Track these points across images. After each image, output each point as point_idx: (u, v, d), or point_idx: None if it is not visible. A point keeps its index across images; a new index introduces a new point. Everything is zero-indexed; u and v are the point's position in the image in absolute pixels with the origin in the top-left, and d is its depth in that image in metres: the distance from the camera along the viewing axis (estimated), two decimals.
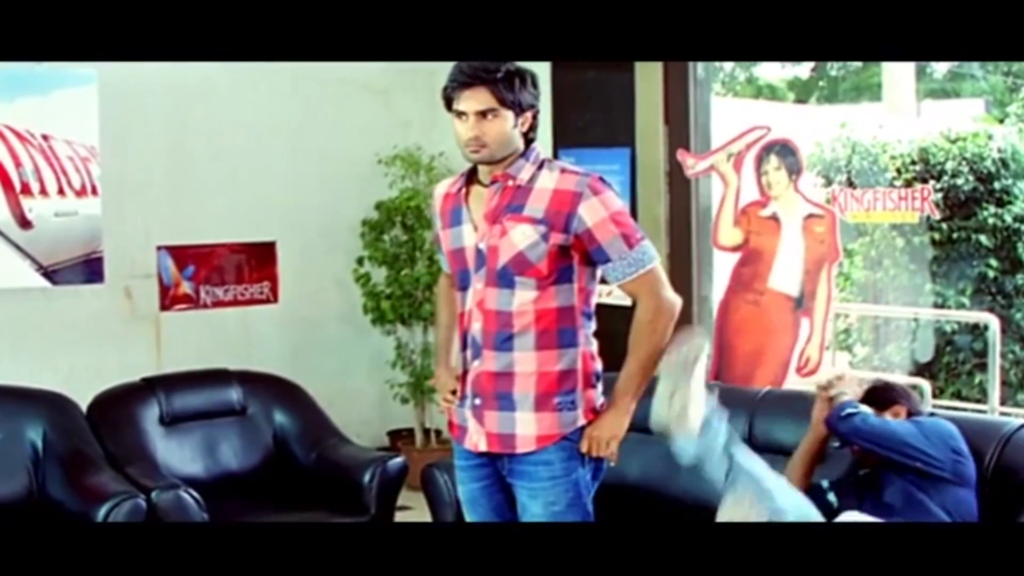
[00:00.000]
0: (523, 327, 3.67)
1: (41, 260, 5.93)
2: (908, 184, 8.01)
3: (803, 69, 13.74)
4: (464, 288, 3.74)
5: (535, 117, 3.74)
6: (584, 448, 3.75)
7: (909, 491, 4.10)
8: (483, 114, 3.61)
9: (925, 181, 8.07)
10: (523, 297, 3.66)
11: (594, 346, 3.85)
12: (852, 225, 5.79)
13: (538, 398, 3.71)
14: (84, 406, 5.56)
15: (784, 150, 5.53)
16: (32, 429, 5.29)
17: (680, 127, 5.90)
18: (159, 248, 6.47)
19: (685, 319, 5.86)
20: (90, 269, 6.11)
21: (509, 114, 3.63)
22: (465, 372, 3.77)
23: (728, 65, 12.85)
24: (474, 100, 3.61)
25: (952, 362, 8.61)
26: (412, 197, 6.93)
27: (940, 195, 8.21)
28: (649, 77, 5.95)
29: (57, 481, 5.19)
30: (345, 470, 5.48)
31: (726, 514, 3.77)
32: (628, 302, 5.99)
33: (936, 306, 8.62)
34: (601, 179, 3.70)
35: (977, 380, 8.39)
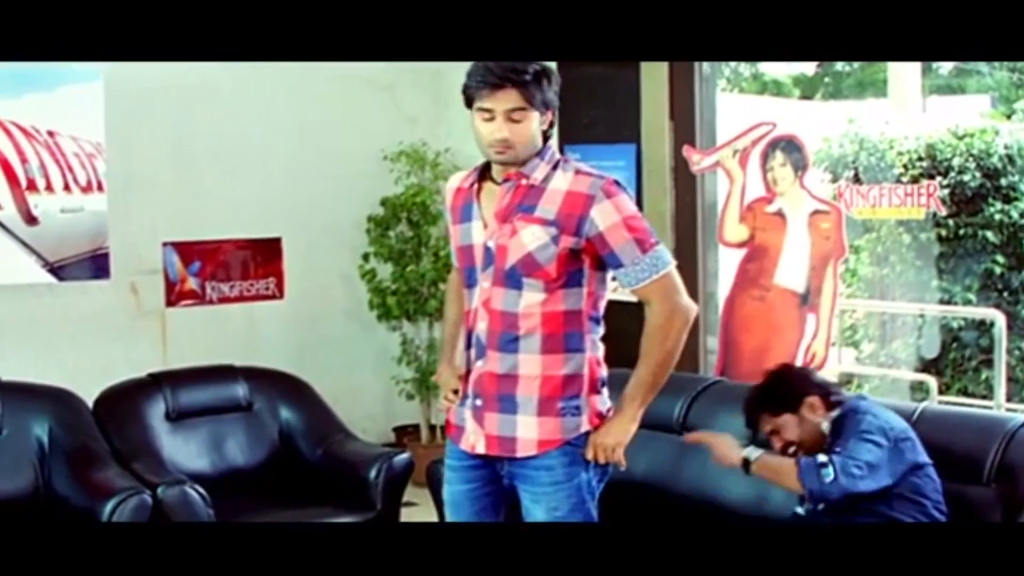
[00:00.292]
0: (529, 329, 3.63)
1: (47, 256, 5.94)
2: (915, 180, 8.00)
3: (808, 65, 13.71)
4: (471, 285, 3.71)
5: (554, 115, 3.72)
6: (590, 455, 3.72)
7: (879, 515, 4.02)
8: (511, 115, 3.55)
9: (932, 177, 8.05)
10: (530, 299, 3.62)
11: (601, 351, 3.81)
12: (859, 221, 5.79)
13: (541, 402, 3.67)
14: (90, 402, 5.57)
15: (790, 146, 5.53)
16: (38, 425, 5.30)
17: (686, 123, 5.90)
18: (165, 244, 6.47)
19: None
20: (96, 265, 6.12)
21: (535, 114, 3.60)
22: (468, 371, 3.75)
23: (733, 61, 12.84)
24: (504, 101, 3.54)
25: (958, 358, 8.60)
26: (417, 193, 6.93)
27: (947, 191, 8.20)
28: (655, 73, 5.95)
29: (63, 477, 5.19)
30: (351, 466, 5.48)
31: None
32: (631, 298, 6.02)
33: (942, 302, 8.61)
34: (616, 182, 3.65)
35: (983, 376, 8.38)
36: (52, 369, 5.77)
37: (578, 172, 3.66)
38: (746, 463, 4.07)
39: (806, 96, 14.03)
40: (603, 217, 3.59)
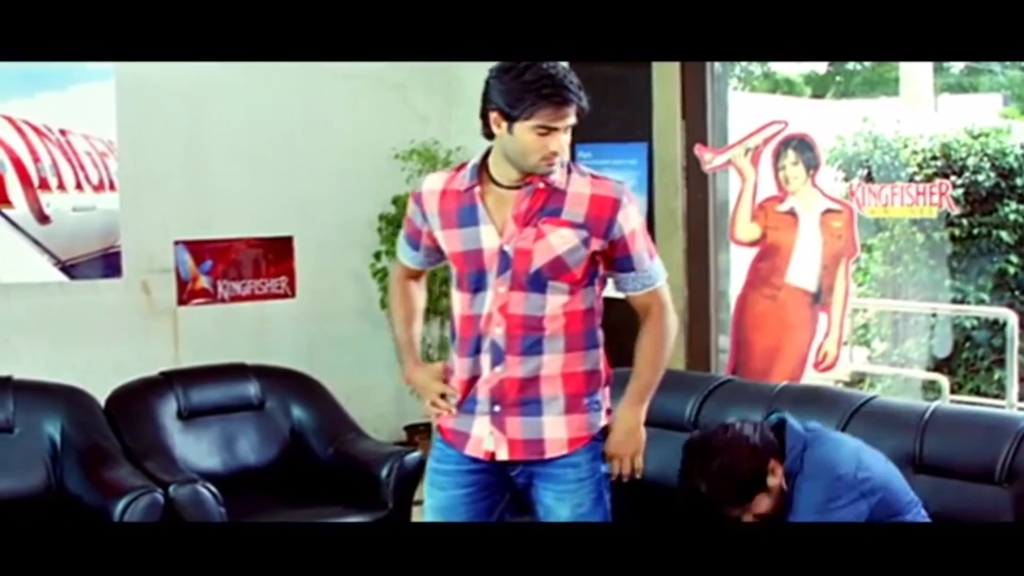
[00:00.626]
0: (554, 331, 3.65)
1: (59, 255, 5.95)
2: (929, 179, 7.99)
3: (820, 64, 13.69)
4: (477, 290, 3.66)
5: None
6: (615, 471, 3.81)
7: None
8: (565, 129, 3.56)
9: (946, 176, 8.04)
10: (555, 301, 3.64)
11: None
12: (872, 220, 5.78)
13: (568, 400, 3.70)
14: (102, 400, 5.58)
15: (801, 145, 5.52)
16: (50, 423, 5.31)
17: (697, 122, 5.89)
18: (176, 243, 6.48)
19: (703, 314, 5.91)
20: (108, 264, 6.13)
21: None
22: (474, 378, 3.70)
23: None
24: (567, 117, 3.54)
25: (971, 358, 8.58)
26: None
27: (961, 191, 8.19)
28: (666, 72, 5.94)
29: (75, 475, 5.20)
30: (362, 464, 5.48)
31: None
32: None
33: (955, 301, 8.60)
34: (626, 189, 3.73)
35: (996, 376, 8.37)
36: (64, 368, 5.78)
37: (594, 176, 3.70)
38: None
39: (817, 95, 14.01)
40: (627, 221, 3.66)
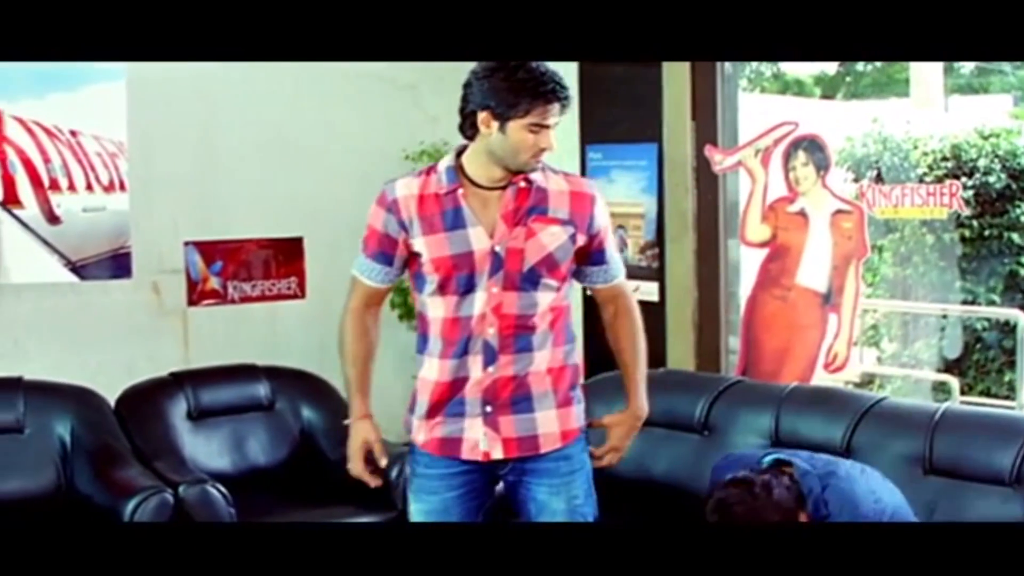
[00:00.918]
0: (543, 328, 3.68)
1: (69, 255, 5.95)
2: (939, 181, 7.97)
3: (830, 64, 13.66)
4: (466, 293, 3.65)
5: None
6: (609, 463, 3.90)
7: None
8: (555, 125, 3.60)
9: (957, 178, 8.02)
10: (545, 299, 3.67)
11: None
12: (882, 221, 5.78)
13: (558, 395, 3.74)
14: (112, 401, 5.59)
15: (812, 146, 5.51)
16: (61, 424, 5.33)
17: (707, 122, 5.88)
18: (187, 243, 6.47)
19: (713, 315, 5.91)
20: (118, 264, 6.13)
21: None
22: (457, 380, 3.70)
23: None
24: (557, 114, 3.58)
25: (981, 359, 8.57)
26: None
27: (972, 192, 8.17)
28: (676, 73, 5.94)
29: (85, 475, 5.21)
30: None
31: None
32: (653, 297, 6.04)
33: (965, 303, 8.59)
34: None
35: (1006, 377, 8.35)
36: (74, 368, 5.79)
37: (566, 174, 3.77)
38: None
39: (827, 95, 13.99)
40: (602, 216, 3.75)
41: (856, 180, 8.49)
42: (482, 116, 3.56)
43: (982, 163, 8.42)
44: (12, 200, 5.76)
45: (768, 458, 4.12)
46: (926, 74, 10.93)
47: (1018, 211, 8.45)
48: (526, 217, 3.63)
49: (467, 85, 3.62)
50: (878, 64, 13.17)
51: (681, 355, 5.96)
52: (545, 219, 3.64)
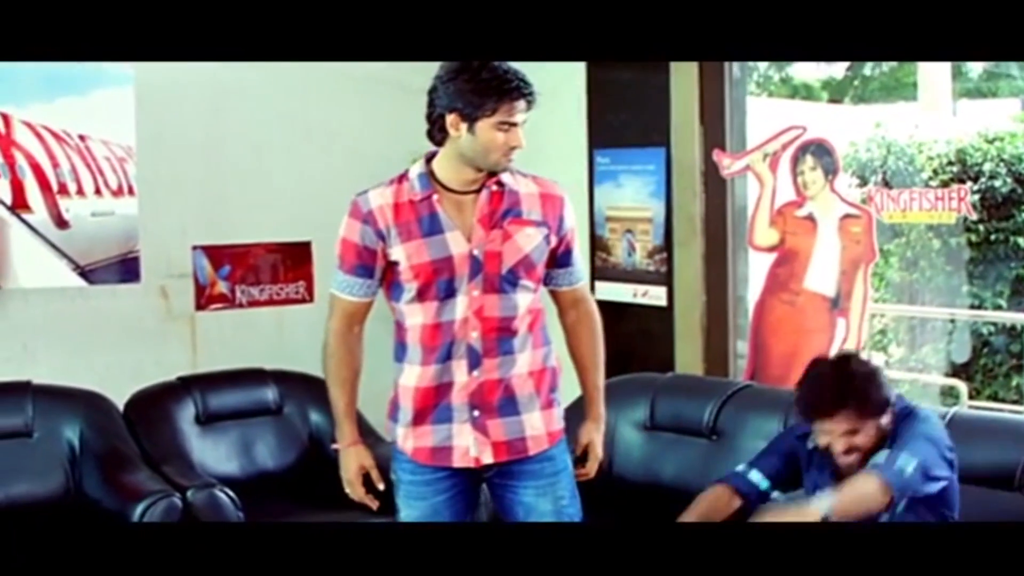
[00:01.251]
0: (524, 330, 3.72)
1: (78, 260, 5.95)
2: (945, 185, 7.97)
3: (838, 68, 13.65)
4: (446, 297, 3.66)
5: None
6: (592, 470, 3.95)
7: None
8: (522, 123, 3.63)
9: (962, 182, 8.02)
10: (524, 301, 3.71)
11: None
12: (888, 225, 5.78)
13: (541, 396, 3.78)
14: (121, 405, 5.60)
15: (820, 150, 5.51)
16: (69, 428, 5.33)
17: (716, 127, 5.88)
18: (195, 248, 6.47)
19: (721, 319, 5.91)
20: (126, 269, 6.13)
21: None
22: (441, 386, 3.71)
23: (763, 64, 12.76)
24: (525, 111, 3.62)
25: (989, 364, 8.56)
26: None
27: (977, 196, 8.17)
28: (684, 76, 5.94)
29: (94, 479, 5.22)
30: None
31: None
32: (661, 302, 6.04)
33: (973, 307, 8.58)
34: None
35: (1014, 382, 8.36)
36: (83, 372, 5.79)
37: (534, 177, 3.81)
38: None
39: (835, 100, 13.99)
40: (570, 217, 3.82)
41: (861, 185, 8.49)
42: (450, 119, 3.60)
43: (987, 167, 8.42)
44: (21, 204, 5.77)
45: None
46: (934, 78, 10.92)
47: None
48: (501, 220, 3.67)
49: (432, 90, 3.67)
50: (886, 68, 13.17)
51: (689, 359, 5.96)
52: (520, 221, 3.68)
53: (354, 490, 3.90)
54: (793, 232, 5.57)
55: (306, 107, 6.80)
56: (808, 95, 13.75)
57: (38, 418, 5.30)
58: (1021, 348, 8.08)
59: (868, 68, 13.66)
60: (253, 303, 6.67)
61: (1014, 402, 8.09)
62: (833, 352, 5.44)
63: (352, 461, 3.92)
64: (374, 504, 3.90)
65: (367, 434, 5.74)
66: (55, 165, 5.84)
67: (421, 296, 3.67)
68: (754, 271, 5.92)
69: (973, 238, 8.54)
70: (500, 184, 3.69)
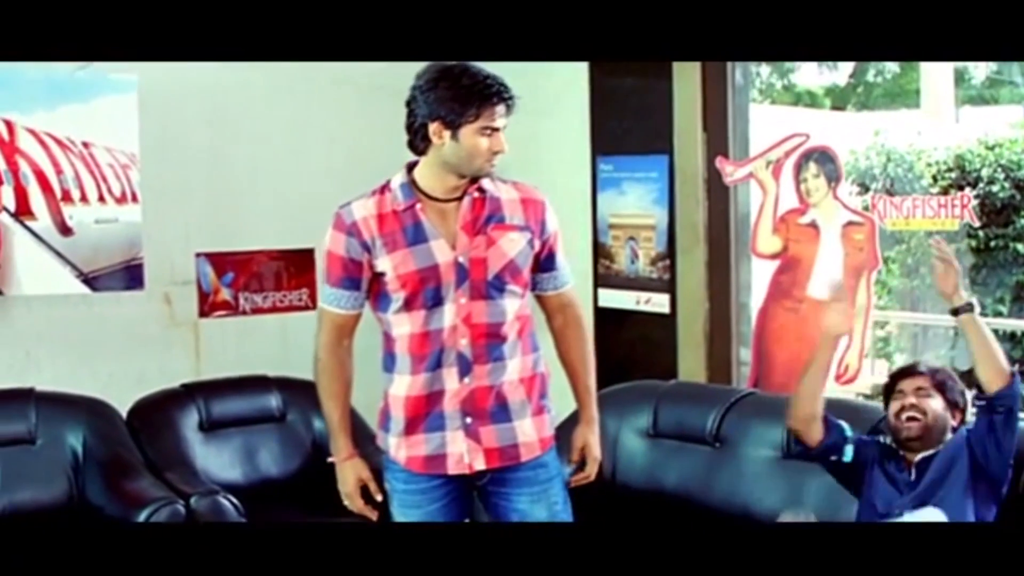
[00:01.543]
0: (513, 337, 3.72)
1: (81, 267, 5.95)
2: (944, 191, 7.97)
3: (841, 75, 13.69)
4: (434, 306, 3.65)
5: None
6: (593, 472, 3.96)
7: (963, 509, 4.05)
8: (504, 128, 3.64)
9: (961, 188, 8.02)
10: (512, 307, 3.71)
11: None
12: (889, 232, 5.79)
13: (532, 403, 3.78)
14: (124, 412, 5.60)
15: (823, 157, 5.51)
16: (72, 435, 5.33)
17: (718, 134, 5.88)
18: (198, 255, 6.48)
19: (724, 327, 5.91)
20: (130, 276, 6.13)
21: None
22: (432, 394, 3.70)
23: (765, 72, 12.81)
24: (506, 116, 3.62)
25: None
26: None
27: (977, 202, 8.16)
28: (687, 83, 5.94)
29: (97, 487, 5.22)
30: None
31: None
32: (664, 309, 6.04)
33: None
34: None
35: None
36: (86, 379, 5.80)
37: (513, 183, 3.81)
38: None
39: (838, 107, 14.01)
40: (552, 222, 3.81)
41: (862, 192, 8.50)
42: (433, 127, 3.59)
43: (986, 173, 8.43)
44: (24, 211, 5.77)
45: None
46: (937, 85, 10.94)
47: (1023, 221, 8.45)
48: (485, 226, 3.68)
49: (411, 100, 3.67)
50: (888, 75, 13.20)
51: (692, 367, 5.96)
52: (503, 226, 3.69)
53: (353, 503, 3.90)
54: (796, 239, 5.57)
55: (309, 115, 6.80)
56: (811, 102, 13.77)
57: (41, 425, 5.30)
58: (1022, 355, 8.07)
59: (871, 75, 13.70)
60: (256, 310, 6.68)
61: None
62: (836, 360, 5.45)
63: (349, 474, 3.91)
64: (373, 515, 3.90)
65: (372, 441, 5.77)
66: (59, 172, 5.84)
67: (408, 305, 3.66)
68: (757, 278, 5.92)
69: (973, 244, 8.55)
70: (481, 190, 3.70)
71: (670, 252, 6.08)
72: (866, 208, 5.56)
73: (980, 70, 12.18)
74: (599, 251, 6.37)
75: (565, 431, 4.04)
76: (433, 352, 3.67)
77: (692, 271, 5.99)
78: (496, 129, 3.59)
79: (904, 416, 4.20)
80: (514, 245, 3.69)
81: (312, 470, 5.75)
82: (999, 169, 8.45)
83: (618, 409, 5.38)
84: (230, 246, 6.58)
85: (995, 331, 8.21)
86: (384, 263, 3.65)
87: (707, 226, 5.97)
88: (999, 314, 8.52)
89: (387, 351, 3.79)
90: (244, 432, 5.76)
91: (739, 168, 5.73)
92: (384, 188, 3.75)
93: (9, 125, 5.71)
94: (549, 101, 6.42)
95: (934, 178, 8.60)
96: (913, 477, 4.16)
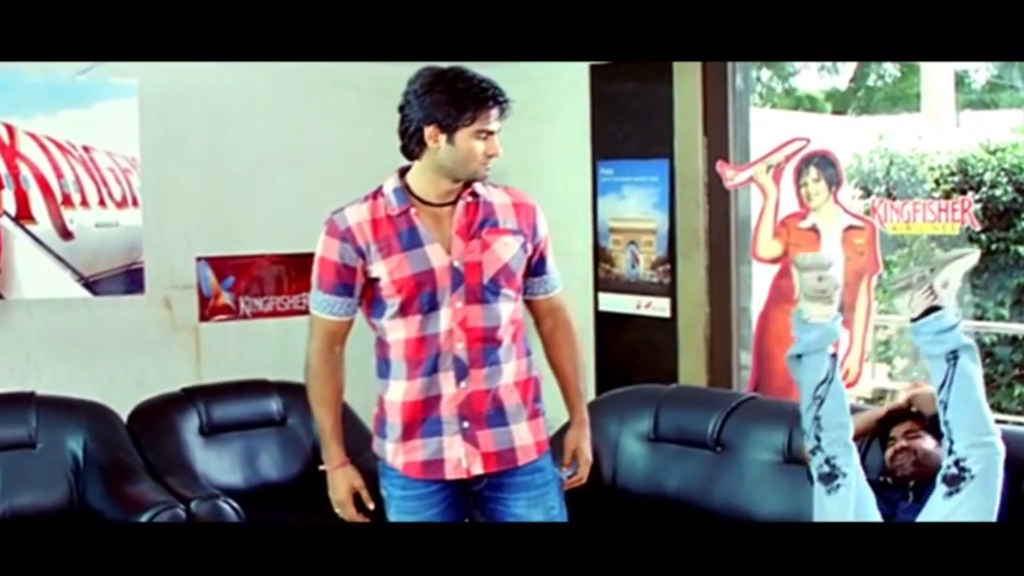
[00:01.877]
0: (508, 340, 3.72)
1: (82, 271, 5.95)
2: (947, 195, 7.98)
3: (841, 79, 13.70)
4: (430, 310, 3.64)
5: None
6: (583, 475, 3.96)
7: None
8: (498, 131, 3.64)
9: (964, 192, 8.04)
10: (506, 310, 3.71)
11: None
12: (890, 237, 5.79)
13: (528, 406, 3.78)
14: (124, 416, 5.59)
15: (823, 161, 5.51)
16: (73, 439, 5.33)
17: (719, 138, 5.89)
18: (199, 259, 6.48)
19: (725, 331, 5.91)
20: (130, 280, 6.13)
21: None
22: (429, 399, 3.69)
23: (766, 76, 12.82)
24: (501, 119, 3.62)
25: (992, 374, 8.57)
26: None
27: (979, 206, 8.18)
28: (688, 88, 5.95)
29: (97, 491, 5.21)
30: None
31: None
32: (665, 313, 6.04)
33: (975, 318, 8.59)
34: None
35: (1017, 392, 8.36)
36: (87, 383, 5.80)
37: (505, 188, 3.81)
38: None
39: (839, 111, 14.01)
40: (543, 226, 3.81)
41: (865, 196, 8.50)
42: (428, 131, 3.59)
43: (988, 177, 8.43)
44: (25, 215, 5.77)
45: None
46: (937, 89, 10.94)
47: None
48: (479, 230, 3.67)
49: (405, 105, 3.68)
50: (889, 79, 13.20)
51: (693, 371, 5.96)
52: (497, 230, 3.69)
53: (345, 510, 3.89)
54: (796, 244, 5.56)
55: (310, 119, 6.81)
56: (812, 106, 13.78)
57: (42, 429, 5.29)
58: (1023, 358, 8.08)
59: (872, 79, 13.69)
60: (257, 314, 6.68)
61: (1017, 412, 8.09)
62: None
63: (341, 482, 3.90)
64: (357, 516, 3.88)
65: (367, 442, 5.77)
66: (59, 176, 5.84)
67: (404, 311, 3.65)
68: (758, 283, 5.93)
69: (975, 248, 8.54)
70: (475, 195, 3.69)
71: (671, 256, 6.08)
72: (867, 212, 5.55)
73: (980, 74, 12.21)
74: (600, 255, 6.37)
75: (558, 437, 4.04)
76: (429, 357, 3.66)
77: (693, 275, 5.99)
78: (491, 132, 3.59)
79: (898, 458, 4.31)
80: (508, 249, 3.69)
81: (312, 474, 5.72)
82: (1002, 173, 8.45)
83: (619, 413, 5.39)
84: (231, 250, 6.58)
85: (996, 335, 8.28)
86: (379, 268, 3.64)
87: (708, 230, 5.98)
88: (1000, 317, 8.52)
89: (381, 357, 3.78)
90: (245, 436, 5.76)
91: (740, 172, 5.73)
92: (377, 193, 3.73)
93: (10, 129, 5.70)
94: (550, 106, 6.43)
95: (936, 182, 8.60)
96: (912, 499, 4.19)
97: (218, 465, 5.63)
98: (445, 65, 3.64)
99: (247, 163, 6.60)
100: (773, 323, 5.69)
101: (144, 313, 6.31)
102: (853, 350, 5.42)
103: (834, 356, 4.33)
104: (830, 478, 4.16)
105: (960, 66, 11.50)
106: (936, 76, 11.02)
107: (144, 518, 4.82)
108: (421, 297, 3.62)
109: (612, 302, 6.29)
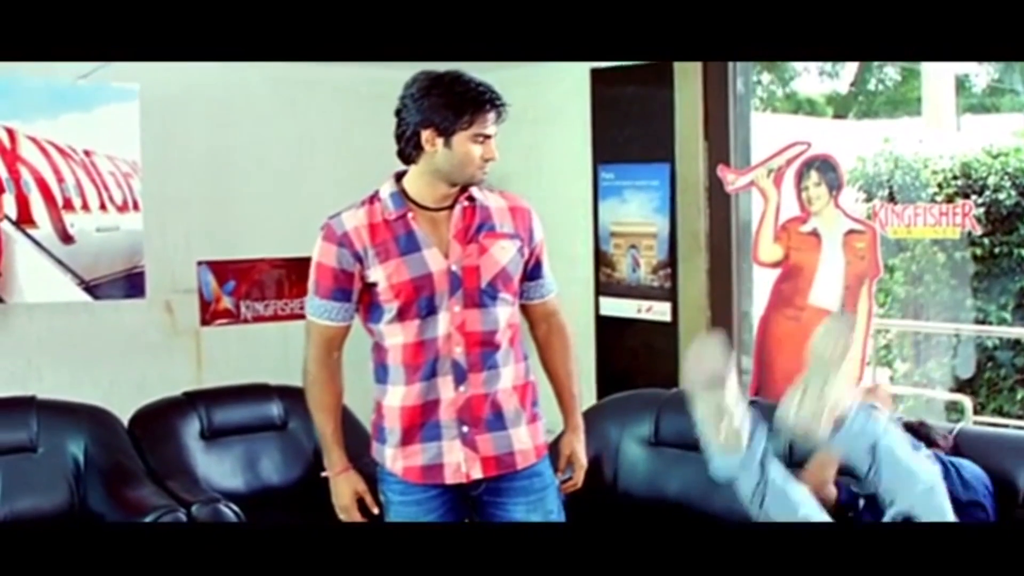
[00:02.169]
0: (506, 344, 3.71)
1: (83, 275, 5.95)
2: (949, 199, 7.97)
3: (842, 84, 13.70)
4: (428, 315, 3.63)
5: None
6: (579, 480, 3.94)
7: None
8: (495, 134, 3.63)
9: (967, 196, 8.03)
10: (504, 315, 3.70)
11: None
12: (892, 240, 5.80)
13: (527, 410, 3.77)
14: (125, 420, 5.59)
15: (824, 165, 5.51)
16: (74, 443, 5.32)
17: (720, 142, 5.89)
18: (200, 263, 6.49)
19: (725, 335, 5.90)
20: (131, 284, 6.12)
21: None
22: (428, 403, 3.68)
23: (766, 80, 12.83)
24: (495, 123, 3.62)
25: (993, 378, 8.56)
26: None
27: (982, 210, 8.18)
28: (688, 92, 5.95)
29: (98, 495, 5.21)
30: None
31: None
32: (665, 317, 6.04)
33: (977, 322, 8.58)
34: None
35: (1019, 396, 8.35)
36: (88, 387, 5.80)
37: (501, 192, 3.81)
38: None
39: (839, 115, 14.00)
40: (538, 230, 3.81)
41: (867, 200, 8.50)
42: (426, 135, 3.58)
43: (991, 181, 8.42)
44: (26, 220, 5.77)
45: None
46: (938, 93, 10.93)
47: None
48: (477, 234, 3.67)
49: (401, 109, 3.68)
50: (890, 83, 13.20)
51: None
52: (494, 234, 3.69)
53: (350, 516, 3.87)
54: (797, 248, 5.57)
55: (310, 124, 6.81)
56: (812, 110, 13.77)
57: (43, 433, 5.29)
58: None
59: (873, 83, 13.69)
60: (258, 318, 6.68)
61: (1019, 416, 8.09)
62: None
63: (345, 488, 3.88)
64: (356, 515, 3.88)
65: (367, 444, 5.77)
66: (60, 180, 5.84)
67: (402, 315, 3.64)
68: (758, 287, 5.93)
69: (978, 252, 8.55)
70: (471, 199, 3.69)
71: (671, 260, 6.08)
72: (869, 216, 5.55)
73: (981, 78, 12.20)
74: (600, 259, 6.38)
75: (554, 443, 4.03)
76: (428, 361, 3.65)
77: (693, 279, 5.99)
78: (488, 136, 3.58)
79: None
80: (505, 253, 3.68)
81: (313, 478, 5.72)
82: (1005, 177, 8.45)
83: (620, 417, 5.38)
84: (231, 254, 6.59)
85: (998, 339, 8.27)
86: (376, 273, 3.62)
87: (708, 234, 5.98)
88: (1003, 321, 8.51)
89: (379, 362, 3.76)
90: (245, 440, 5.76)
91: (740, 176, 5.73)
92: (373, 198, 3.72)
93: (11, 133, 5.71)
94: (551, 110, 6.43)
95: (940, 186, 8.59)
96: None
97: (219, 469, 5.62)
98: (442, 69, 3.63)
99: (248, 168, 6.61)
100: (774, 327, 5.69)
101: (145, 317, 6.31)
102: (854, 354, 5.40)
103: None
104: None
105: (961, 70, 11.51)
106: (937, 80, 11.02)
107: (145, 522, 4.82)
108: (419, 301, 3.61)
109: (613, 306, 6.29)
